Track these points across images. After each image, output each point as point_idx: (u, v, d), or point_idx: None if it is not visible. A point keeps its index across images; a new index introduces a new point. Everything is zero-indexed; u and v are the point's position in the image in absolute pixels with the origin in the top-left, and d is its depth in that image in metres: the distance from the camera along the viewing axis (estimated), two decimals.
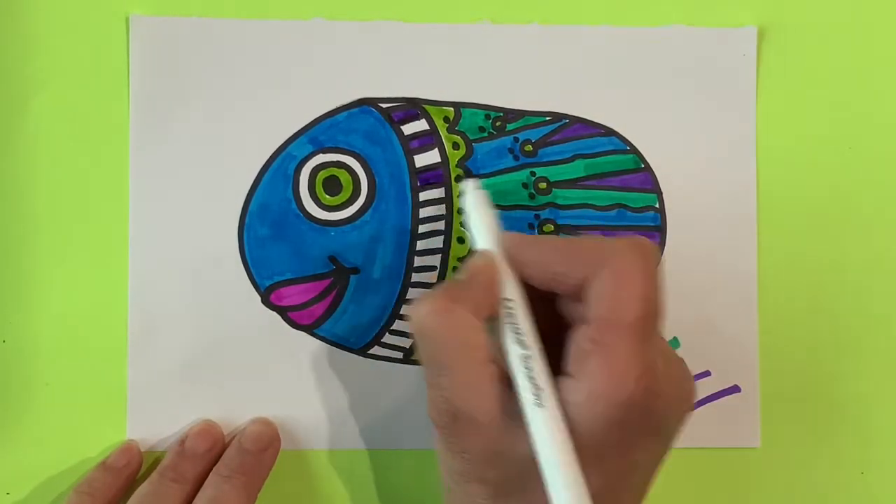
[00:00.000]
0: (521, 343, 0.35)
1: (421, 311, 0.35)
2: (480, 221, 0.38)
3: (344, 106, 0.42)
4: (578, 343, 0.34)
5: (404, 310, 0.42)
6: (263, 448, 0.41)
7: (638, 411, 0.33)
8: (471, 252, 0.39)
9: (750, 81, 0.43)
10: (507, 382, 0.35)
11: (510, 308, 0.36)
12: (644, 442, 0.35)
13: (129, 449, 0.41)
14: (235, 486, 0.40)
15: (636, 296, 0.34)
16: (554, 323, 0.36)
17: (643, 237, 0.36)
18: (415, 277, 0.42)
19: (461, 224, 0.42)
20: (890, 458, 0.44)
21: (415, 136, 0.42)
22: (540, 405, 0.34)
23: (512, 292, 0.36)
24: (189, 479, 0.40)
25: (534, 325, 0.35)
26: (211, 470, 0.41)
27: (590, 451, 0.33)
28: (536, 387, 0.34)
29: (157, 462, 0.41)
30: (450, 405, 0.34)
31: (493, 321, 0.36)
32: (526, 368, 0.34)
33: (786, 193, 0.44)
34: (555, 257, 0.35)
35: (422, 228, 0.42)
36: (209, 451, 0.41)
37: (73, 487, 0.40)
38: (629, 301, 0.34)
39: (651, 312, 0.34)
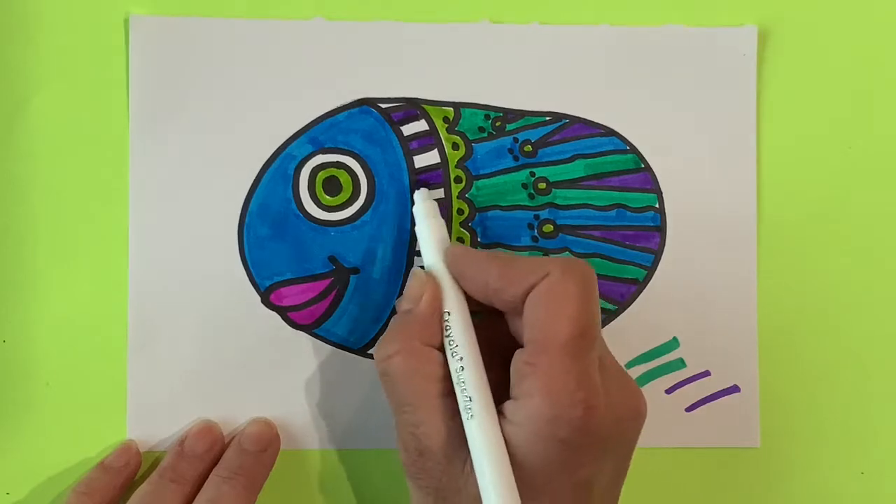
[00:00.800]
0: (455, 354, 0.36)
1: (382, 357, 0.36)
2: (426, 234, 0.39)
3: (344, 106, 0.42)
4: (516, 366, 0.35)
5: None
6: (263, 448, 0.41)
7: (578, 429, 0.34)
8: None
9: (750, 81, 0.43)
10: None
11: (447, 320, 0.37)
12: (592, 459, 0.35)
13: (127, 449, 0.41)
14: (235, 486, 0.40)
15: (567, 316, 0.34)
16: (513, 344, 0.37)
17: (578, 259, 0.37)
18: None
19: (463, 221, 0.42)
20: (890, 458, 0.44)
21: (414, 136, 0.42)
22: (471, 417, 0.35)
23: (450, 305, 0.37)
24: (188, 479, 0.40)
25: (471, 335, 0.37)
26: (211, 470, 0.41)
27: (535, 472, 0.34)
28: (468, 398, 0.35)
29: (156, 462, 0.41)
30: (417, 442, 0.36)
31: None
32: (460, 381, 0.35)
33: (786, 193, 0.44)
34: (492, 273, 0.36)
35: None
36: (208, 452, 0.41)
37: (71, 488, 0.40)
38: (560, 322, 0.34)
39: (584, 332, 0.34)
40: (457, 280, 0.38)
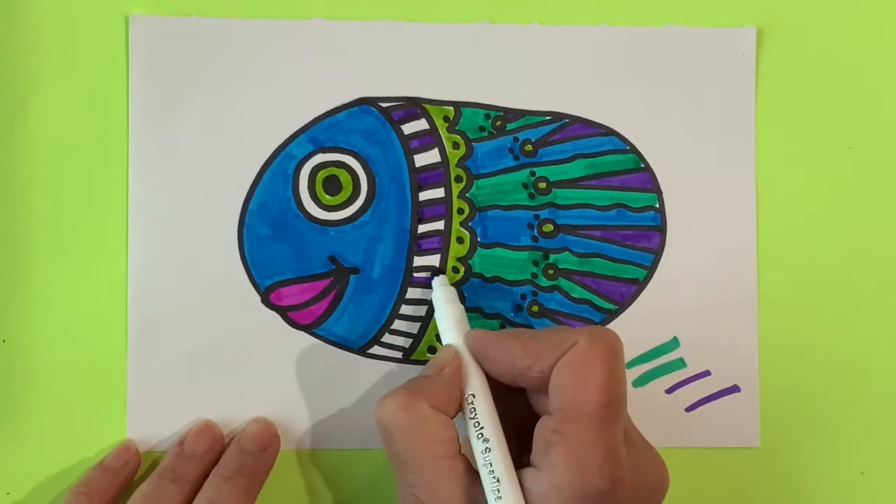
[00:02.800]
0: (481, 436, 0.36)
1: (387, 408, 0.36)
2: (448, 317, 0.39)
3: (344, 105, 0.42)
4: (541, 434, 0.35)
5: (398, 322, 0.42)
6: (263, 448, 0.41)
7: (603, 500, 0.34)
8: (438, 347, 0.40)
9: (749, 81, 0.43)
10: (476, 475, 0.36)
11: (472, 403, 0.37)
12: None
13: (126, 449, 0.41)
14: (235, 486, 0.40)
15: (596, 384, 0.34)
16: (528, 415, 0.37)
17: (604, 327, 0.37)
18: (415, 277, 0.42)
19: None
20: (890, 458, 0.44)
21: (415, 135, 0.42)
22: (499, 498, 0.35)
23: (474, 387, 0.37)
24: (188, 479, 0.40)
25: (495, 417, 0.37)
26: (210, 470, 0.41)
27: None
28: (496, 479, 0.35)
29: (156, 462, 0.41)
30: (419, 502, 0.35)
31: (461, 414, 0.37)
32: (486, 462, 0.36)
33: (786, 193, 0.44)
34: (517, 353, 0.36)
35: (422, 228, 0.42)
36: (208, 452, 0.41)
37: (70, 488, 0.40)
38: (589, 390, 0.34)
39: (612, 400, 0.34)
40: (479, 363, 0.38)
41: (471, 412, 0.37)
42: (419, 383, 0.37)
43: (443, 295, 0.40)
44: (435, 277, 0.41)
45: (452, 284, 0.42)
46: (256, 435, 0.41)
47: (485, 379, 0.38)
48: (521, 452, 0.37)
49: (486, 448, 0.36)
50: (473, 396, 0.37)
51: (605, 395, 0.34)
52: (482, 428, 0.36)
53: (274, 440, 0.41)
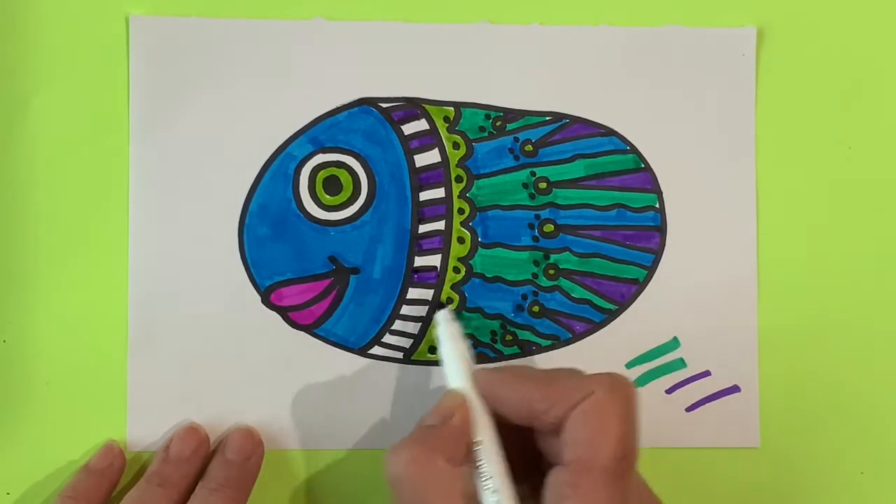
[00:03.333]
0: (490, 487, 0.36)
1: (399, 460, 0.35)
2: (453, 356, 0.39)
3: (344, 106, 0.42)
4: (555, 486, 0.34)
5: (398, 322, 0.42)
6: (247, 457, 0.41)
7: None
8: (444, 387, 0.39)
9: (749, 81, 0.43)
10: None
11: (480, 450, 0.36)
12: None
13: (110, 450, 0.41)
14: (223, 497, 0.39)
15: (612, 437, 0.34)
16: (535, 454, 0.37)
17: (620, 375, 0.36)
18: (415, 278, 0.42)
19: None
20: (890, 458, 0.44)
21: (415, 135, 0.42)
22: None
23: (483, 433, 0.36)
24: (175, 483, 0.40)
25: (505, 465, 0.36)
26: (197, 473, 0.41)
27: None
28: None
29: (151, 462, 0.41)
30: None
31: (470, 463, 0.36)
32: None
33: (786, 193, 0.44)
34: (532, 395, 0.36)
35: (422, 228, 0.42)
36: (195, 454, 0.41)
37: (58, 494, 0.40)
38: (605, 443, 0.34)
39: (627, 454, 0.34)
40: (487, 404, 0.37)
41: (477, 458, 0.36)
42: (430, 435, 0.36)
43: (448, 332, 0.39)
44: (439, 311, 0.41)
45: (453, 285, 0.42)
46: (239, 444, 0.41)
47: (493, 423, 0.37)
48: (526, 488, 0.36)
49: (496, 501, 0.35)
50: (480, 443, 0.36)
51: (620, 448, 0.34)
52: (490, 477, 0.36)
53: (257, 447, 0.41)
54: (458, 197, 0.42)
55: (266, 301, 0.42)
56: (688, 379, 0.43)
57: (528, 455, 0.37)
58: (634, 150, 0.43)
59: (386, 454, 0.36)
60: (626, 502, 0.34)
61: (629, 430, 0.34)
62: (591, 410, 0.34)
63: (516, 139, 0.43)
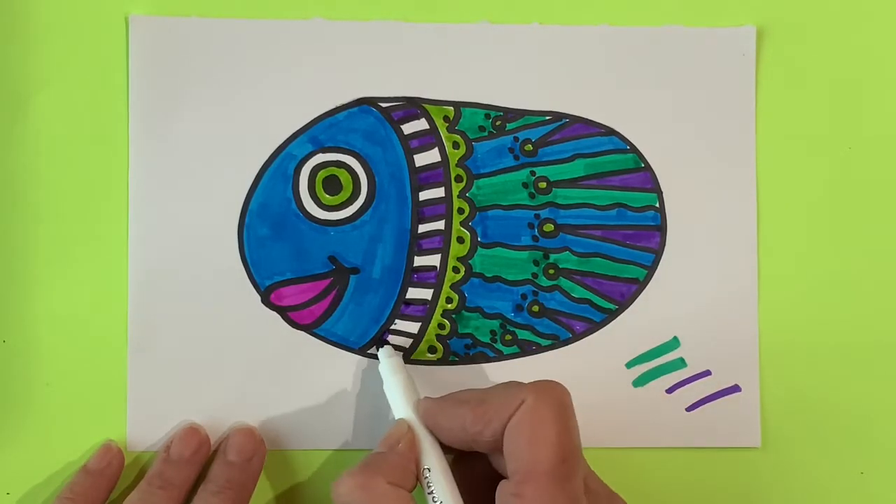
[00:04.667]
0: None
1: (343, 488, 0.35)
2: (396, 389, 0.39)
3: (344, 105, 0.42)
4: (502, 498, 0.35)
5: (398, 322, 0.42)
6: (248, 458, 0.41)
7: None
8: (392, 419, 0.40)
9: (749, 81, 0.43)
10: None
11: (428, 476, 0.37)
12: None
13: (108, 450, 0.41)
14: (224, 500, 0.39)
15: (548, 442, 0.34)
16: (493, 475, 0.37)
17: (549, 380, 0.36)
18: (415, 277, 0.42)
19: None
20: (890, 458, 0.44)
21: (415, 135, 0.42)
22: None
23: (429, 460, 0.37)
24: (176, 484, 0.40)
25: (453, 489, 0.36)
26: (198, 474, 0.40)
27: None
28: None
29: (152, 462, 0.41)
30: None
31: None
32: None
33: (786, 193, 0.44)
34: (466, 419, 0.36)
35: (422, 228, 0.42)
36: (195, 454, 0.40)
37: (56, 495, 0.40)
38: (542, 449, 0.34)
39: (566, 456, 0.34)
40: (432, 433, 0.38)
41: (428, 486, 0.37)
42: (375, 460, 0.37)
43: (389, 366, 0.40)
44: (381, 348, 0.41)
45: (452, 285, 0.42)
46: (240, 446, 0.41)
47: (440, 449, 0.37)
48: None
49: None
50: (429, 470, 0.37)
51: (559, 451, 0.34)
52: (440, 502, 0.36)
53: (259, 448, 0.41)
54: (458, 196, 0.42)
55: (266, 301, 0.42)
56: (688, 379, 0.43)
57: (486, 484, 0.37)
58: (634, 150, 0.43)
59: (332, 484, 0.36)
60: (578, 502, 0.34)
61: (566, 432, 0.34)
62: (524, 419, 0.34)
63: (516, 139, 0.43)
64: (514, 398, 0.35)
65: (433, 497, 0.36)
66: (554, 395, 0.35)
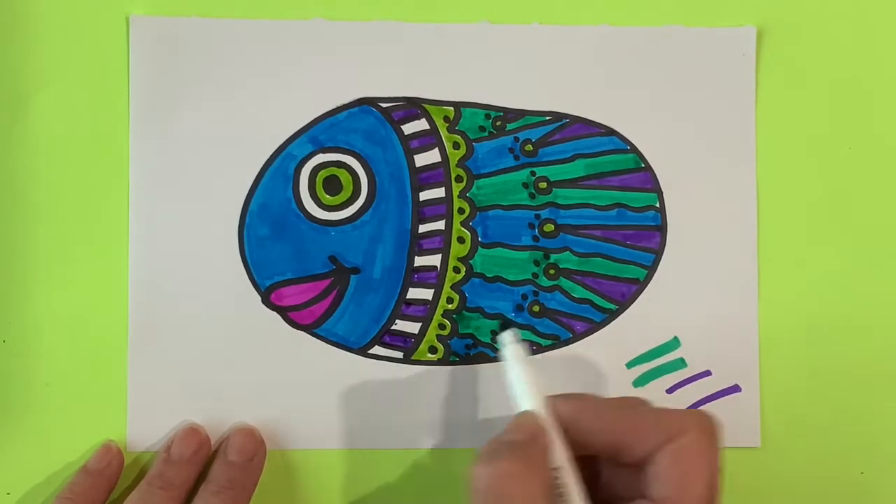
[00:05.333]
0: None
1: (495, 472, 0.33)
2: (524, 379, 0.37)
3: (344, 105, 0.42)
4: None
5: (399, 322, 0.42)
6: (249, 458, 0.41)
7: None
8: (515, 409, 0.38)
9: (749, 81, 0.43)
10: None
11: (559, 477, 0.35)
12: None
13: (108, 450, 0.41)
14: (225, 500, 0.39)
15: (703, 479, 0.34)
16: (592, 482, 0.36)
17: (708, 414, 0.35)
18: (415, 278, 0.42)
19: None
20: (890, 458, 0.44)
21: (415, 135, 0.42)
22: None
23: (561, 458, 0.35)
24: (177, 485, 0.40)
25: (584, 491, 0.35)
26: (198, 474, 0.40)
27: None
28: None
29: (152, 462, 0.41)
30: None
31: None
32: None
33: (786, 193, 0.44)
34: (618, 427, 0.35)
35: (422, 228, 0.42)
36: (196, 454, 0.40)
37: (56, 496, 0.40)
38: (695, 484, 0.34)
39: (714, 494, 0.34)
40: (565, 430, 0.36)
41: (558, 487, 0.35)
42: (523, 452, 0.34)
43: (515, 353, 0.38)
44: (503, 332, 0.39)
45: (453, 285, 0.42)
46: (241, 445, 0.41)
47: (569, 450, 0.36)
48: None
49: None
50: (562, 470, 0.35)
51: (710, 489, 0.34)
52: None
53: (259, 448, 0.41)
54: (459, 197, 0.42)
55: (266, 301, 0.42)
56: (688, 379, 0.43)
57: (589, 485, 0.36)
58: (634, 150, 0.43)
59: (475, 465, 0.34)
60: None
61: (718, 471, 0.34)
62: (684, 451, 0.34)
63: (516, 139, 0.43)
64: (674, 424, 0.35)
65: (561, 496, 0.35)
66: (714, 434, 0.35)
